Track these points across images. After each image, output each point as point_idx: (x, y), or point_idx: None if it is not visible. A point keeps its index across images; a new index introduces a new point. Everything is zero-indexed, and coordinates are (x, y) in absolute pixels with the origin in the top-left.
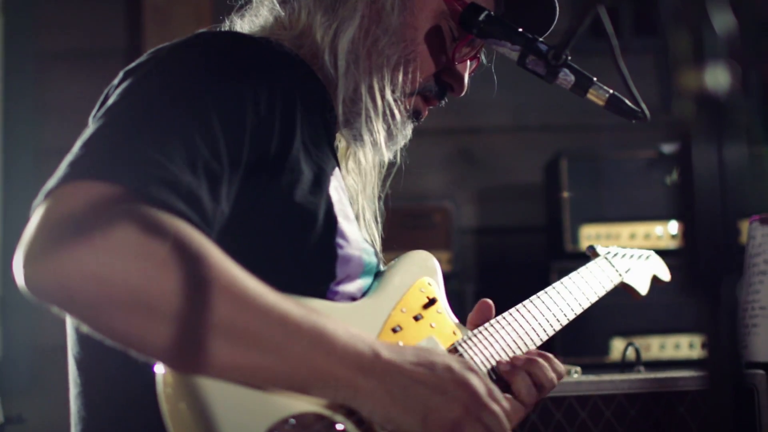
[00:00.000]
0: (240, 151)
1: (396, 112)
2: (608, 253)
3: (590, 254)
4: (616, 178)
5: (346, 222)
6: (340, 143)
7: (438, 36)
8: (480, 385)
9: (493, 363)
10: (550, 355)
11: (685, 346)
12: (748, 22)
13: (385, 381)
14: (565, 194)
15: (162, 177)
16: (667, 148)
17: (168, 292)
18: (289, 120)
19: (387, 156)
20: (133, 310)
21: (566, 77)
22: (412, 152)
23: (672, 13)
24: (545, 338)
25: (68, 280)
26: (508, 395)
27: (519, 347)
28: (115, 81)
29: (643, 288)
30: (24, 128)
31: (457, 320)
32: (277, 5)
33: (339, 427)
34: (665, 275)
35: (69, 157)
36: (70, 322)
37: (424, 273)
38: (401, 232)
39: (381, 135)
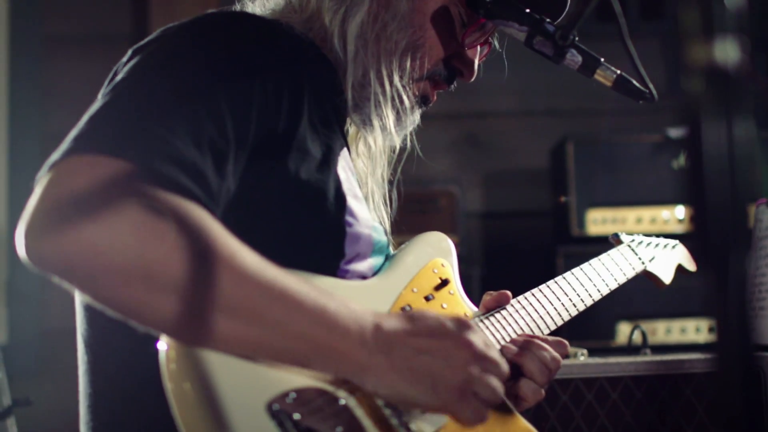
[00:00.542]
0: (247, 129)
1: (404, 97)
2: (632, 241)
3: (614, 242)
4: (623, 162)
5: (354, 201)
6: (351, 127)
7: (447, 21)
8: (476, 338)
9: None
10: (545, 337)
11: (692, 330)
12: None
13: (389, 355)
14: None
15: (167, 152)
16: (674, 132)
17: (168, 264)
18: (296, 100)
19: (397, 141)
20: (132, 280)
21: (573, 58)
22: (419, 136)
23: None
24: (560, 323)
25: (69, 251)
26: (524, 379)
27: (532, 331)
28: (124, 58)
29: (667, 277)
30: (30, 113)
31: (470, 302)
32: None
33: (341, 402)
34: (691, 265)
35: (74, 131)
36: (78, 301)
37: (438, 254)
38: (408, 216)
39: (390, 120)
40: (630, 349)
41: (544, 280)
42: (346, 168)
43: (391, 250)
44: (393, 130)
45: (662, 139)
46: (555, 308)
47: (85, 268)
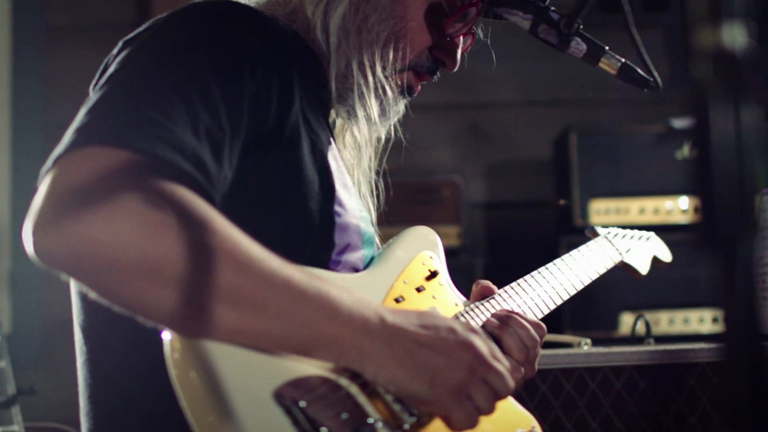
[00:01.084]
0: (239, 117)
1: (387, 88)
2: (609, 233)
3: (590, 235)
4: (626, 152)
5: (344, 190)
6: (337, 119)
7: (430, 12)
8: (483, 346)
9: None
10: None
11: (695, 320)
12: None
13: (390, 344)
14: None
15: (167, 139)
16: (677, 123)
17: (172, 258)
18: (286, 90)
19: (382, 131)
20: (138, 275)
21: (578, 46)
22: (422, 127)
23: None
24: (546, 312)
25: (76, 247)
26: (504, 355)
27: None
28: (114, 51)
29: (643, 268)
30: (32, 102)
31: (459, 293)
32: None
33: (344, 389)
34: (666, 256)
35: (74, 125)
36: (74, 291)
37: (425, 247)
38: (410, 206)
39: (374, 110)
40: (634, 339)
41: None
42: (336, 158)
43: (378, 242)
44: (377, 120)
45: (665, 129)
46: (540, 297)
47: (92, 264)
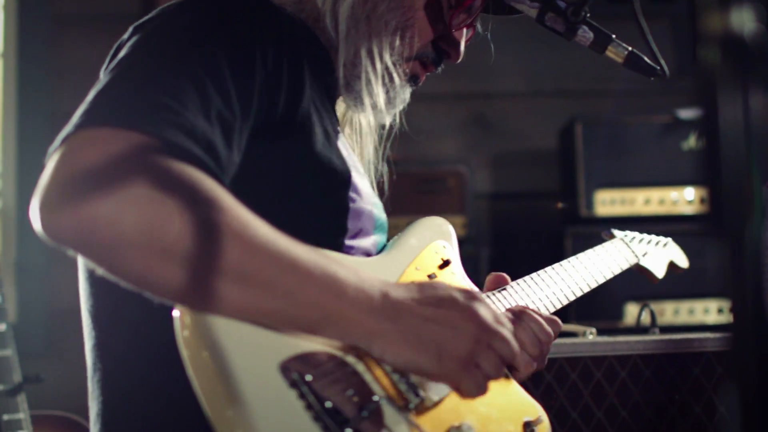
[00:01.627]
0: (250, 102)
1: (394, 75)
2: (625, 236)
3: (607, 237)
4: (632, 143)
5: (358, 176)
6: (339, 108)
7: (436, 3)
8: (486, 312)
9: None
10: (539, 312)
11: (700, 311)
12: None
13: (396, 322)
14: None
15: (177, 122)
16: (683, 113)
17: (180, 235)
18: (297, 76)
19: (387, 119)
20: (146, 251)
21: (585, 34)
22: (427, 117)
23: None
24: (558, 307)
25: (85, 224)
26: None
27: None
28: (125, 36)
29: (659, 272)
30: (39, 92)
31: (472, 284)
32: None
33: (350, 366)
34: (683, 262)
35: (84, 106)
36: (82, 277)
37: (439, 236)
38: (416, 196)
39: (380, 97)
40: (639, 329)
41: (552, 261)
42: (345, 144)
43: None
44: (383, 107)
45: (671, 119)
46: (553, 292)
47: (101, 240)
